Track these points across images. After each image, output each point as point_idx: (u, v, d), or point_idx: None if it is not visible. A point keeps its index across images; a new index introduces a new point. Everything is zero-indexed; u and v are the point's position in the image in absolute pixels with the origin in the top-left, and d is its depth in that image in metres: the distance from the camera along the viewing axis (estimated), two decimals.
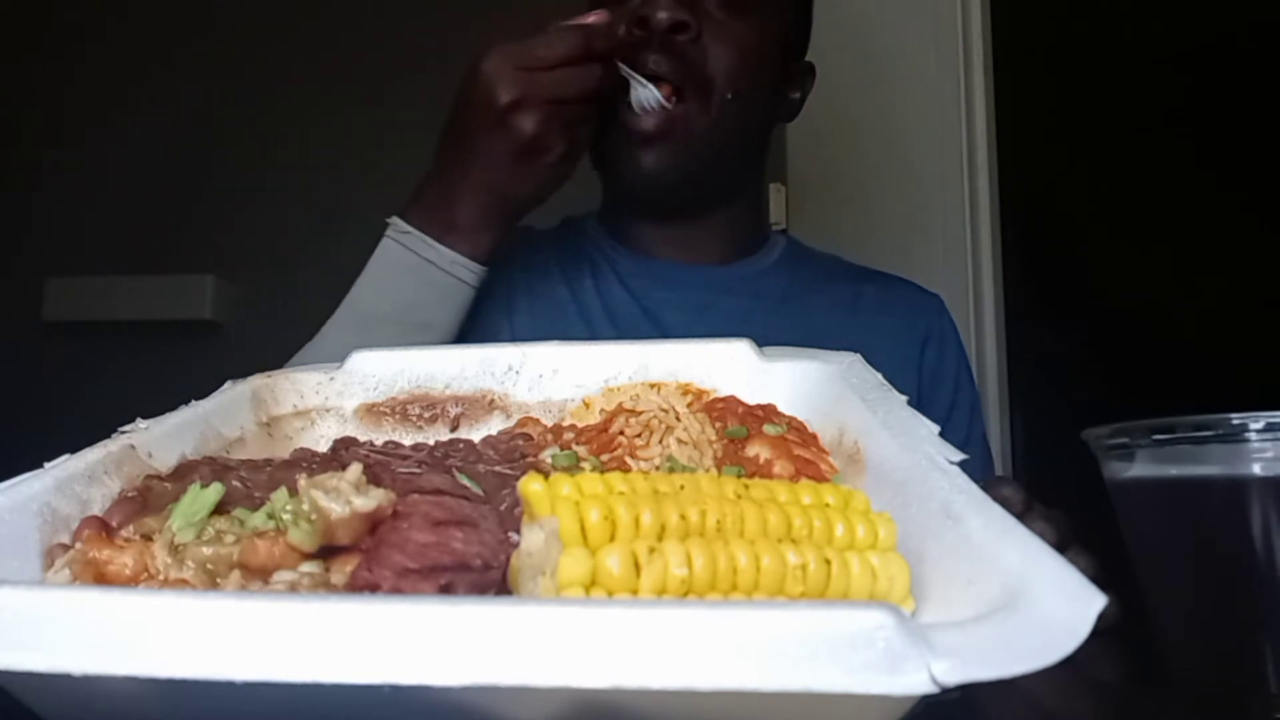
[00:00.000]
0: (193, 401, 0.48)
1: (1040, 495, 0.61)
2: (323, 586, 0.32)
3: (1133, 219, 1.63)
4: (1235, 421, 0.42)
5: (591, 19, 0.71)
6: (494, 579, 0.32)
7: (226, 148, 1.72)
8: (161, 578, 0.33)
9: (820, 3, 0.96)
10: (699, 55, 0.80)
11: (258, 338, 1.38)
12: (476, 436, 0.50)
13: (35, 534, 0.35)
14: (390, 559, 0.31)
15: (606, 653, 0.23)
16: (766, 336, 0.54)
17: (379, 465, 0.41)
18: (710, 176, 0.86)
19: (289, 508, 0.34)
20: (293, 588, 0.32)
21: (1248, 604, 0.43)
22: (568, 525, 0.29)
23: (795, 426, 0.46)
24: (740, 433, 0.45)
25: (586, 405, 0.52)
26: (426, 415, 0.53)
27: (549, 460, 0.44)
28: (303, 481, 0.34)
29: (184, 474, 0.40)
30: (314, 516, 0.33)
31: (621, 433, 0.47)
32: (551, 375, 0.54)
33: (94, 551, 0.34)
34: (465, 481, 0.39)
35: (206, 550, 0.34)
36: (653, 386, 0.52)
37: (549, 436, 0.49)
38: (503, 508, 0.37)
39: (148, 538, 0.35)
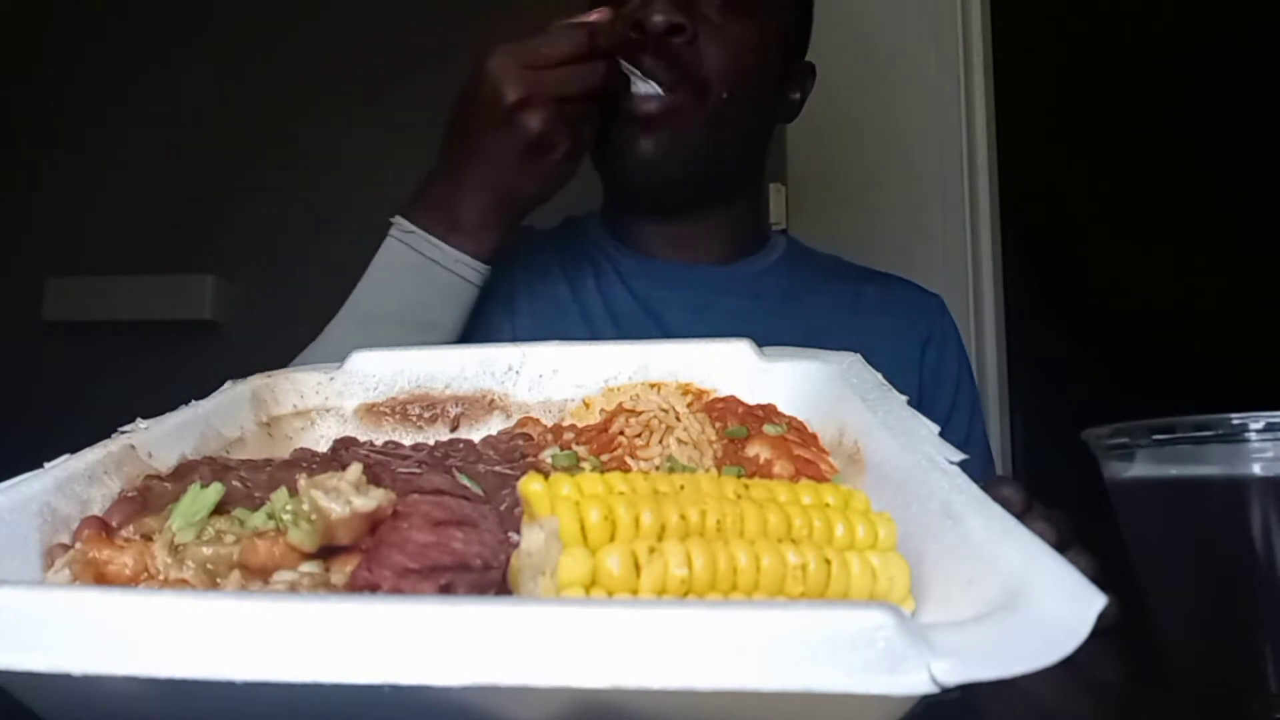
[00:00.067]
0: (193, 401, 0.48)
1: (1040, 495, 0.61)
2: (323, 586, 0.32)
3: (1133, 219, 1.63)
4: (1235, 421, 0.42)
5: (594, 16, 0.71)
6: (494, 579, 0.32)
7: (226, 148, 1.72)
8: (161, 578, 0.33)
9: (820, 3, 0.96)
10: (694, 58, 0.80)
11: (258, 338, 1.38)
12: (476, 436, 0.50)
13: (35, 534, 0.35)
14: (390, 559, 0.31)
15: (606, 653, 0.23)
16: (767, 336, 0.54)
17: (379, 465, 0.41)
18: (709, 174, 0.86)
19: (289, 508, 0.34)
20: (293, 588, 0.32)
21: (1248, 604, 0.43)
22: (568, 525, 0.29)
23: (795, 426, 0.46)
24: (740, 433, 0.45)
25: (586, 405, 0.52)
26: (426, 415, 0.53)
27: (549, 460, 0.44)
28: (303, 481, 0.34)
29: (184, 474, 0.40)
30: (314, 516, 0.33)
31: (621, 433, 0.47)
32: (551, 375, 0.54)
33: (94, 551, 0.34)
34: (465, 481, 0.39)
35: (206, 550, 0.34)
36: (653, 386, 0.52)
37: (549, 436, 0.49)
38: (503, 508, 0.37)
39: (148, 538, 0.35)
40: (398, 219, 0.76)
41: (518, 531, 0.33)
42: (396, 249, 0.76)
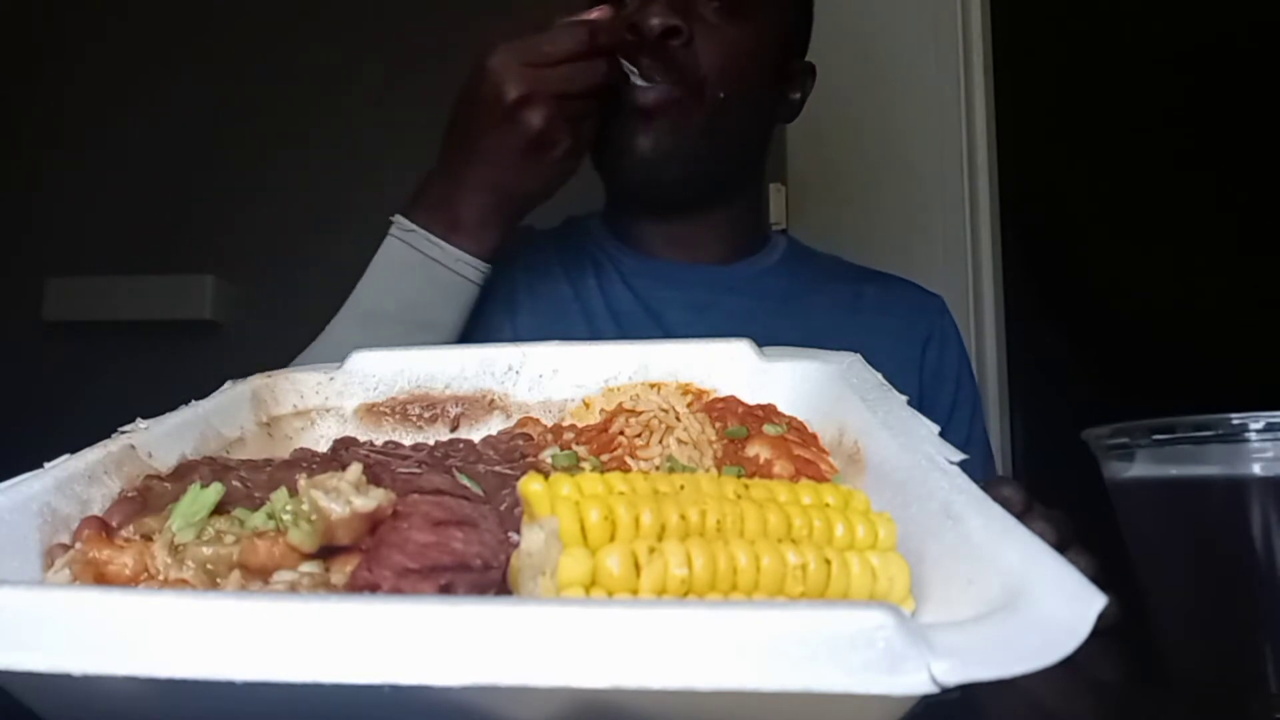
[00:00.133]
0: (193, 401, 0.48)
1: (1040, 495, 0.61)
2: (323, 586, 0.32)
3: (1133, 219, 1.63)
4: (1235, 421, 0.42)
5: (594, 14, 0.71)
6: (494, 579, 0.32)
7: (226, 148, 1.72)
8: (161, 578, 0.33)
9: (820, 3, 0.96)
10: (691, 60, 0.80)
11: (258, 338, 1.38)
12: (476, 436, 0.50)
13: (35, 534, 0.35)
14: (390, 559, 0.31)
15: (606, 653, 0.23)
16: (767, 336, 0.54)
17: (379, 465, 0.41)
18: (708, 173, 0.86)
19: (289, 508, 0.34)
20: (293, 588, 0.32)
21: (1248, 604, 0.43)
22: (568, 525, 0.29)
23: (795, 426, 0.46)
24: (740, 433, 0.45)
25: (586, 405, 0.52)
26: (426, 415, 0.53)
27: (549, 460, 0.44)
28: (303, 481, 0.34)
29: (184, 474, 0.40)
30: (314, 516, 0.33)
31: (621, 433, 0.47)
32: (551, 375, 0.54)
33: (94, 551, 0.34)
34: (465, 481, 0.39)
35: (206, 550, 0.34)
36: (653, 386, 0.52)
37: (549, 436, 0.49)
38: (503, 508, 0.37)
39: (148, 538, 0.35)
40: (398, 218, 0.76)
41: (518, 531, 0.33)
42: (397, 248, 0.76)
